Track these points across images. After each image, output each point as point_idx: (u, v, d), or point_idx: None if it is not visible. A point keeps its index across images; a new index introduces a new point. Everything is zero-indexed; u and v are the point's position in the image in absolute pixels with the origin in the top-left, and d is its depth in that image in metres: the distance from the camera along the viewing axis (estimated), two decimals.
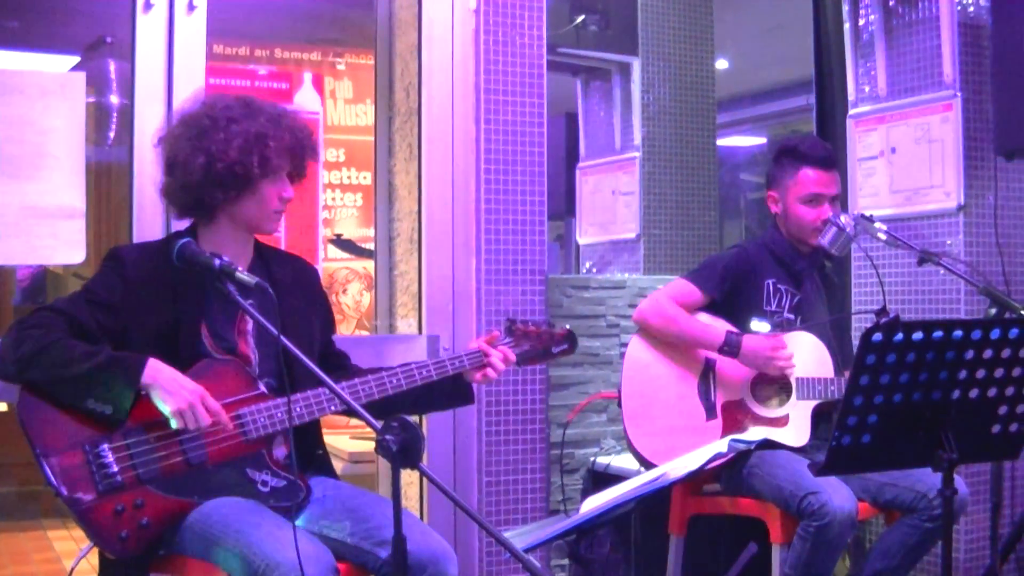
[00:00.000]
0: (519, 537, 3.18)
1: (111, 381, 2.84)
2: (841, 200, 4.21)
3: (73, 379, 2.82)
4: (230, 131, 3.03)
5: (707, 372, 4.06)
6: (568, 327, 3.51)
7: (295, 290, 3.28)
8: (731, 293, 4.09)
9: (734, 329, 4.01)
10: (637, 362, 4.13)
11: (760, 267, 4.13)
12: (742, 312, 4.08)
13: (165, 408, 2.85)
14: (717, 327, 4.02)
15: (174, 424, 2.86)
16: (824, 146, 4.22)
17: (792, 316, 4.11)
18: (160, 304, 3.02)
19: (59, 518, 6.17)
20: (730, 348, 3.98)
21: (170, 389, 2.86)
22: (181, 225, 3.24)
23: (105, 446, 2.84)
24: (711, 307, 4.10)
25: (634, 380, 4.11)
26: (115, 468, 2.82)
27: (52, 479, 2.78)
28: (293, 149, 3.15)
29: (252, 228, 3.20)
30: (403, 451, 2.34)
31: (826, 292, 4.25)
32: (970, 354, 2.72)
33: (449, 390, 3.33)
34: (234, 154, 3.01)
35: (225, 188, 3.04)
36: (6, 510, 6.64)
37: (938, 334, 2.68)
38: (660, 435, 4.03)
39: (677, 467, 3.57)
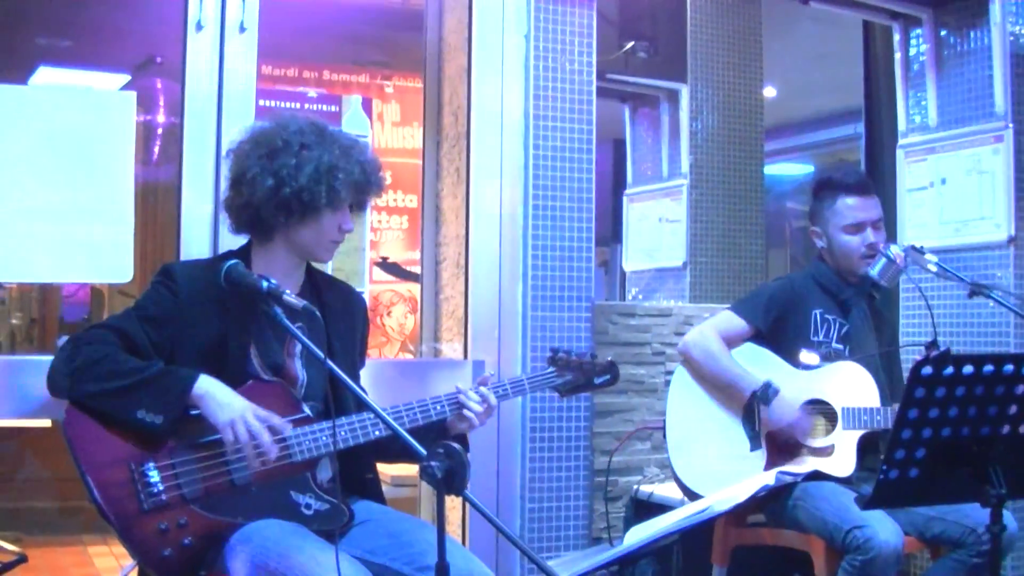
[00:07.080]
0: (562, 566, 3.17)
1: (163, 391, 2.84)
2: (888, 230, 4.18)
3: (125, 390, 2.82)
4: (302, 157, 3.02)
5: (752, 402, 4.03)
6: (610, 358, 3.48)
7: (344, 317, 3.28)
8: (777, 324, 4.07)
9: (774, 383, 3.97)
10: (682, 392, 4.12)
11: (807, 297, 4.11)
12: (790, 343, 4.05)
13: (216, 420, 2.85)
14: (755, 377, 3.99)
15: (225, 439, 2.85)
16: (858, 172, 4.22)
17: (840, 346, 4.07)
18: (210, 322, 3.02)
19: (99, 534, 6.17)
20: (763, 397, 3.95)
21: (222, 401, 2.86)
22: (237, 242, 3.24)
23: (151, 464, 2.83)
24: (759, 338, 4.09)
25: (679, 410, 4.10)
26: (160, 487, 2.82)
27: (96, 495, 2.78)
28: (360, 183, 3.13)
29: (307, 255, 3.19)
30: (448, 478, 2.33)
31: (875, 321, 4.20)
32: (1020, 389, 2.71)
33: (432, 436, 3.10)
34: (304, 181, 3.00)
35: (288, 212, 3.03)
36: (47, 525, 6.65)
37: (988, 368, 2.66)
38: (705, 465, 4.01)
39: (723, 499, 3.55)
